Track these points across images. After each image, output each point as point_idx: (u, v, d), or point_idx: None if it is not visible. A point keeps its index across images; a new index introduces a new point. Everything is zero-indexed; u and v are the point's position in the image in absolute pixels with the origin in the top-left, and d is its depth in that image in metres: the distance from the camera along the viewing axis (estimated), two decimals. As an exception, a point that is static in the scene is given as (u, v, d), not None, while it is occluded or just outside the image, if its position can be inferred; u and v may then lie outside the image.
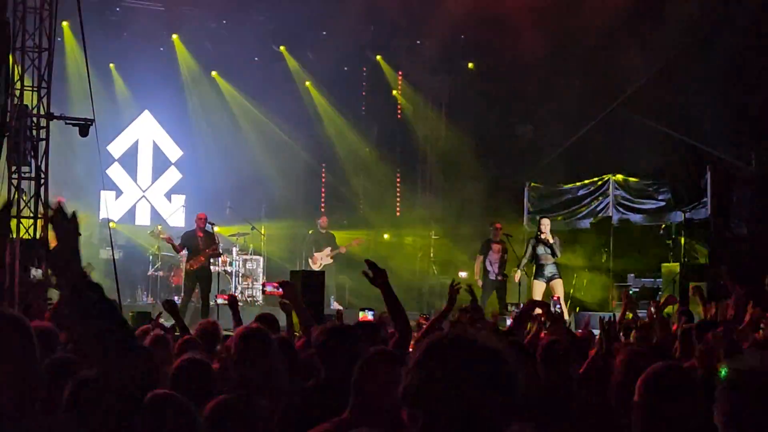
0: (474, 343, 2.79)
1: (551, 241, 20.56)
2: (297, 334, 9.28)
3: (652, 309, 12.77)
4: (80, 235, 3.65)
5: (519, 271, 20.92)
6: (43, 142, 17.46)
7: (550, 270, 20.56)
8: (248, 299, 23.29)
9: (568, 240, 23.98)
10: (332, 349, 6.15)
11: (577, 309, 21.56)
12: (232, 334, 9.55)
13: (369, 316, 14.25)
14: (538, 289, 20.43)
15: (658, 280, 21.09)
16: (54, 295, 14.82)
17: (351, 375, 5.31)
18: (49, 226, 3.66)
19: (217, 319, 16.12)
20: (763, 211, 21.05)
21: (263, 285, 22.51)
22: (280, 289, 9.00)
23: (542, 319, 9.72)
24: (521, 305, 19.48)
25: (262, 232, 24.66)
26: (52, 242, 3.61)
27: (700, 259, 21.33)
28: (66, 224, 3.62)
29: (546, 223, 20.85)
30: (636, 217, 22.80)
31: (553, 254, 20.59)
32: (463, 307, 10.10)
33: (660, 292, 19.81)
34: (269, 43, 26.08)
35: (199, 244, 20.86)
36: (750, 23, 20.05)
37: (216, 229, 22.01)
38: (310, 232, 24.86)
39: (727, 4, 20.20)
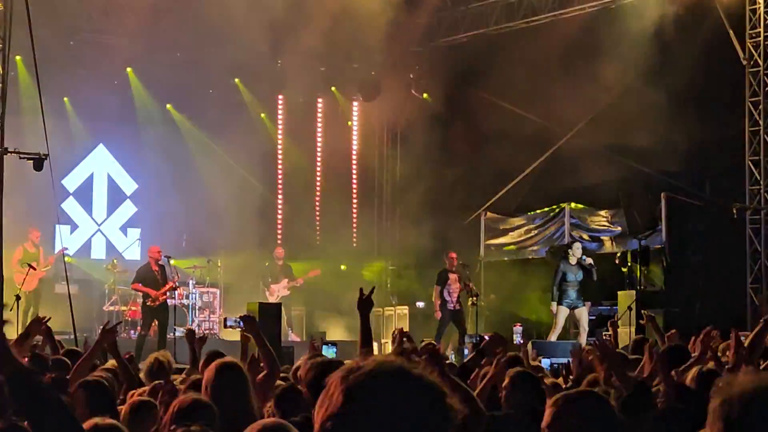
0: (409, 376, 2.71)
1: (589, 261, 20.42)
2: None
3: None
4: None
5: (554, 303, 20.54)
6: (-3, 177, 17.32)
7: (573, 296, 20.42)
8: (205, 332, 23.16)
9: (524, 269, 24.09)
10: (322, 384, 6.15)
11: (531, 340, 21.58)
12: (186, 367, 9.55)
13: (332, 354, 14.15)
14: (561, 315, 20.36)
15: (614, 307, 21.17)
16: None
17: None
18: None
19: (174, 353, 16.08)
20: (717, 239, 21.23)
21: (225, 319, 22.35)
22: (242, 324, 8.97)
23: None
24: (477, 336, 19.55)
25: (219, 264, 24.56)
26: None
27: (655, 286, 21.45)
28: None
29: (578, 247, 20.78)
30: (592, 245, 22.90)
31: (590, 277, 20.44)
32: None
33: (616, 318, 19.89)
34: (224, 75, 26.04)
35: (157, 278, 20.78)
36: (703, 53, 20.26)
37: (172, 261, 21.90)
38: (267, 264, 24.80)
39: (681, 33, 20.39)
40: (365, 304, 7.42)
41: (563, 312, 20.35)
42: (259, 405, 6.64)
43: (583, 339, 19.92)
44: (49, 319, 9.95)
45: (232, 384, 6.37)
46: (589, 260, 20.49)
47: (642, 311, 12.30)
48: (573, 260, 20.46)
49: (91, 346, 8.66)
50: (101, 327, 8.86)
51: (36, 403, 3.58)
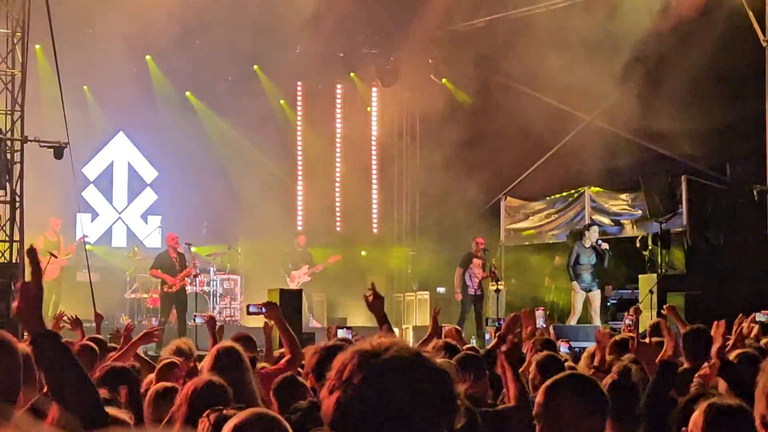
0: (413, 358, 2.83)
1: (605, 247, 20.46)
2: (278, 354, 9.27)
3: (627, 321, 12.77)
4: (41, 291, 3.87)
5: (575, 282, 20.62)
6: (18, 166, 17.41)
7: (587, 279, 20.44)
8: (227, 319, 23.22)
9: (546, 253, 24.05)
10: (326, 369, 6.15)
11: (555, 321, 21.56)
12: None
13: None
14: (578, 299, 20.39)
15: (635, 291, 21.13)
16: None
17: None
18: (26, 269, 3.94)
19: (195, 340, 16.12)
20: (737, 221, 21.15)
21: (247, 306, 22.30)
22: (264, 310, 9.02)
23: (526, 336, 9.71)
24: (500, 320, 19.52)
25: (239, 251, 24.61)
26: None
27: (676, 269, 21.40)
28: (34, 274, 3.93)
29: (595, 230, 20.82)
30: (612, 229, 22.84)
31: (603, 262, 20.47)
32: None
33: (638, 303, 19.85)
34: (243, 62, 26.06)
35: (175, 265, 20.82)
36: (723, 35, 20.14)
37: (193, 249, 21.94)
38: (287, 250, 24.83)
39: (701, 15, 20.27)
40: (375, 304, 7.60)
41: (579, 295, 20.37)
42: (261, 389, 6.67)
43: (596, 322, 19.95)
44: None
45: (229, 367, 6.38)
46: (605, 245, 20.50)
47: (663, 305, 12.28)
48: (588, 243, 20.46)
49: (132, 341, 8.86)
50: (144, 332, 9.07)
51: (57, 363, 3.90)
